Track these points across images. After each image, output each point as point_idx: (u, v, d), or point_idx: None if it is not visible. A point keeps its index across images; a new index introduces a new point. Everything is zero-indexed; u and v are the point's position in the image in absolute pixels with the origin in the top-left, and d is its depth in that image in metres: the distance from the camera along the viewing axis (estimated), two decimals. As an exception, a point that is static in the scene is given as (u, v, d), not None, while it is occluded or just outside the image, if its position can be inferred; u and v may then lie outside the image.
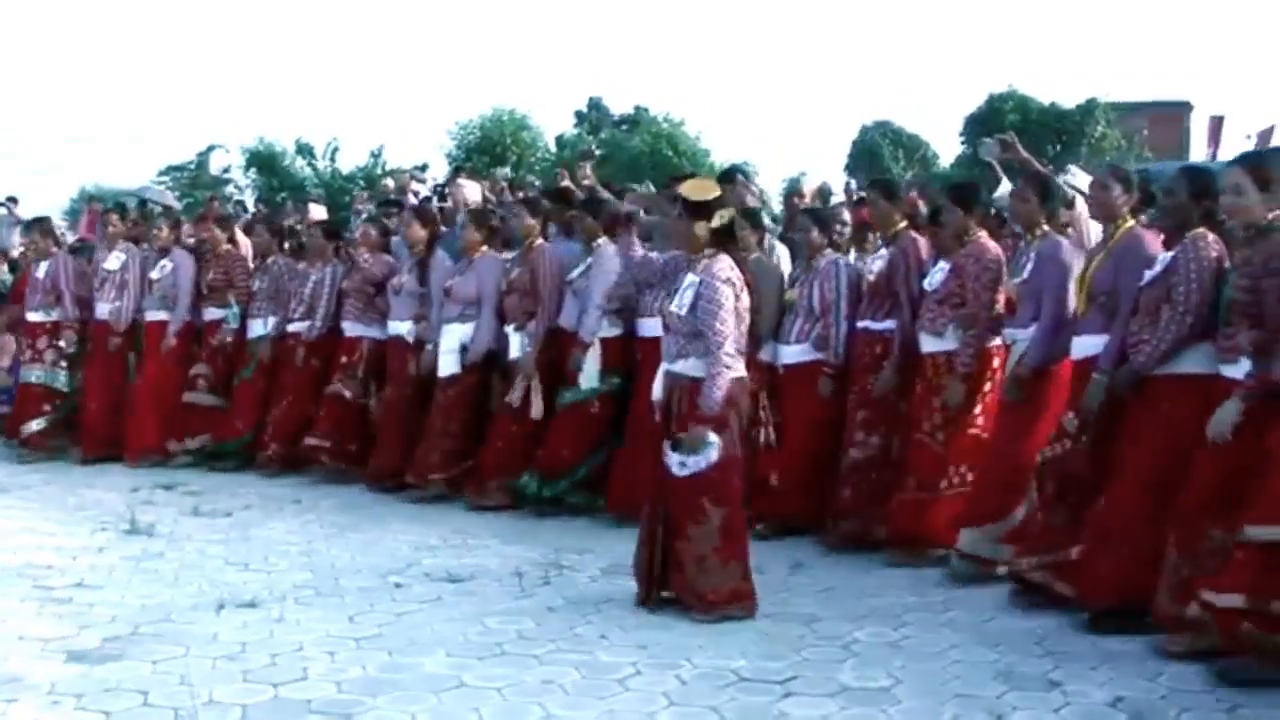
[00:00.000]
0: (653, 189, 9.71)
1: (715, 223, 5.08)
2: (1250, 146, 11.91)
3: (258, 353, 8.78)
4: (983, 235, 6.00)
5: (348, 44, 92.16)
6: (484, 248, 7.76)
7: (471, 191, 10.96)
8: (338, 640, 4.77)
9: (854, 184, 14.15)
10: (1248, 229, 4.42)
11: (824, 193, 11.03)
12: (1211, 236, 4.66)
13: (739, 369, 5.09)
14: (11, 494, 7.82)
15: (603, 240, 7.18)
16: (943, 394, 5.87)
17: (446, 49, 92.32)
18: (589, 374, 7.05)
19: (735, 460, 5.14)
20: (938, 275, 6.04)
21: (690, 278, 5.09)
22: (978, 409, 5.88)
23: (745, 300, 5.09)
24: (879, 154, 41.10)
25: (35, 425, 9.13)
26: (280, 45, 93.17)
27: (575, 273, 7.28)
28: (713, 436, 5.01)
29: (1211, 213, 4.72)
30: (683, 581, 5.11)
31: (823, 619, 5.07)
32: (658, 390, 5.26)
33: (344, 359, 8.31)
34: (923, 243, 6.34)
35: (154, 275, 9.02)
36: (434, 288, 7.86)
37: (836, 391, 6.49)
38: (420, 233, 8.09)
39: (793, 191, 7.54)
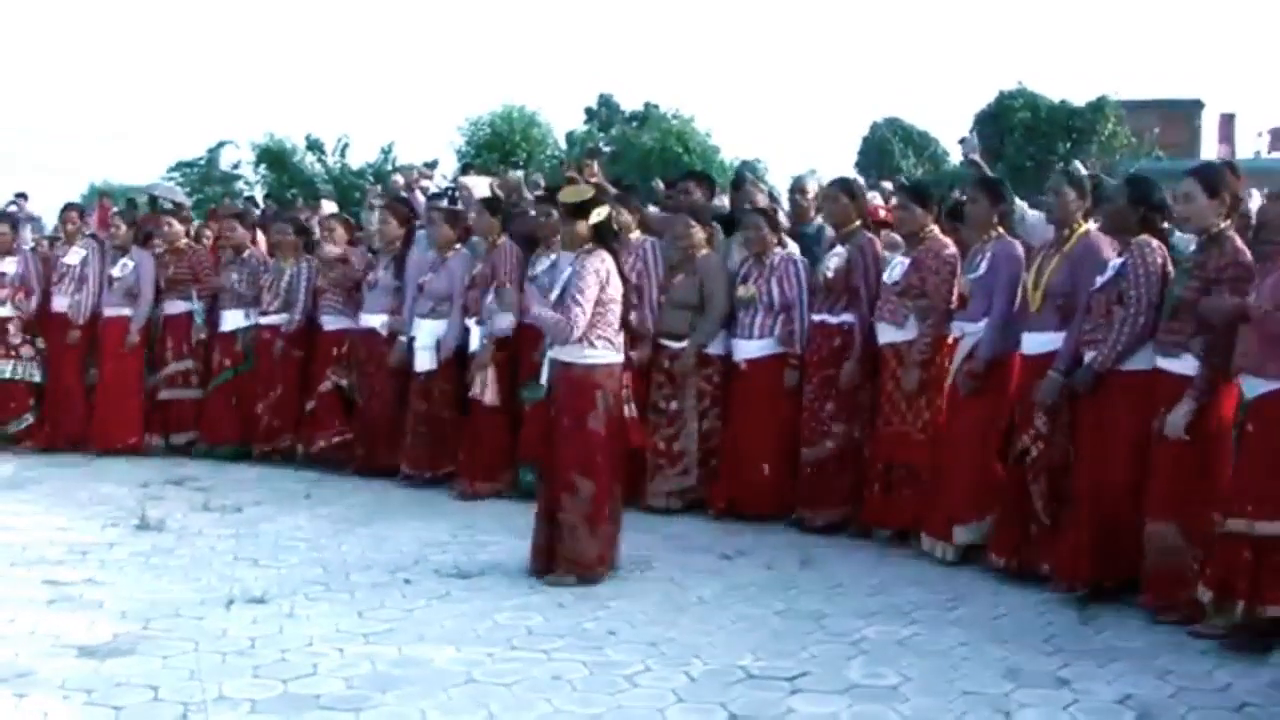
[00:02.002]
0: (661, 185, 9.71)
1: (593, 219, 5.53)
2: (1262, 144, 11.91)
3: (253, 346, 8.81)
4: (937, 231, 6.25)
5: (358, 40, 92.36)
6: (457, 245, 7.89)
7: (478, 188, 10.97)
8: (347, 635, 4.79)
9: (862, 181, 14.13)
10: (1199, 234, 4.80)
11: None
12: (1155, 243, 5.04)
13: (608, 357, 5.53)
14: (22, 489, 7.83)
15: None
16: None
17: (457, 45, 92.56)
18: None
19: (599, 438, 5.51)
20: (897, 268, 6.23)
21: (568, 270, 5.60)
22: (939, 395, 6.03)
23: (612, 291, 5.50)
24: (889, 151, 41.00)
25: (26, 420, 9.19)
26: (291, 41, 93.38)
27: (539, 269, 7.35)
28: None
29: (1149, 218, 5.11)
30: (560, 548, 5.52)
31: (831, 616, 5.07)
32: (544, 376, 5.80)
33: (335, 351, 8.40)
34: (878, 241, 6.57)
35: (115, 273, 9.07)
36: (408, 283, 7.96)
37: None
38: (396, 229, 8.16)
39: (796, 188, 7.50)
